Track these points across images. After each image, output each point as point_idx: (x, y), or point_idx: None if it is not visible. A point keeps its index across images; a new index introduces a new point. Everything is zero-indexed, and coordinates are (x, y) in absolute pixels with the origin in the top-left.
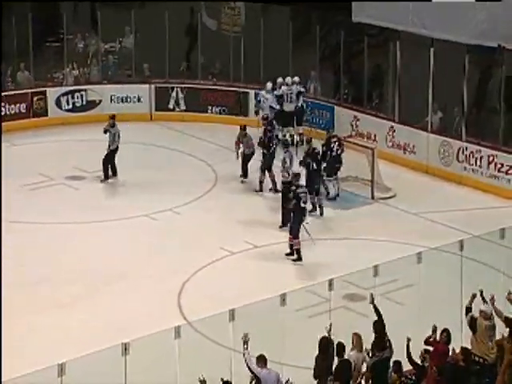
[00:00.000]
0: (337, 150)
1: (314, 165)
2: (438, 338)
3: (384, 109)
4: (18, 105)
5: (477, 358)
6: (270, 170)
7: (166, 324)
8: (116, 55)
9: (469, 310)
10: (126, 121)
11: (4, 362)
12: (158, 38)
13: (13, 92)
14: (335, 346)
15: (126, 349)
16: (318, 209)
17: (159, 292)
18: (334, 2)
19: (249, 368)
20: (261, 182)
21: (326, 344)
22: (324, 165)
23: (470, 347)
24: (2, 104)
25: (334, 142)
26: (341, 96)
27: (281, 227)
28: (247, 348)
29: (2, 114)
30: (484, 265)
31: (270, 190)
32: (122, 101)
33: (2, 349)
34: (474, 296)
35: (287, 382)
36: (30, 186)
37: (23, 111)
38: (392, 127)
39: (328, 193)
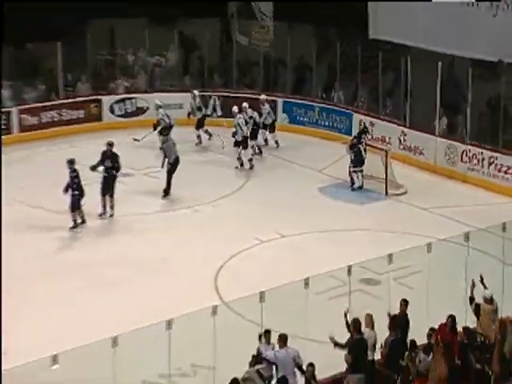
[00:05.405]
0: (365, 143)
1: None
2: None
3: (397, 115)
4: (77, 111)
5: (479, 338)
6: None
7: (204, 304)
8: (161, 67)
9: (472, 299)
10: None
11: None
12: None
13: (72, 100)
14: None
15: (169, 324)
16: None
17: (198, 276)
18: (352, 21)
19: (265, 359)
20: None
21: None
22: (353, 155)
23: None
24: (65, 110)
25: (365, 135)
26: (358, 104)
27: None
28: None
29: (65, 119)
30: (486, 254)
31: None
32: (166, 107)
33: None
34: (473, 284)
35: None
36: (88, 181)
37: (81, 116)
38: (403, 132)
39: (353, 183)
